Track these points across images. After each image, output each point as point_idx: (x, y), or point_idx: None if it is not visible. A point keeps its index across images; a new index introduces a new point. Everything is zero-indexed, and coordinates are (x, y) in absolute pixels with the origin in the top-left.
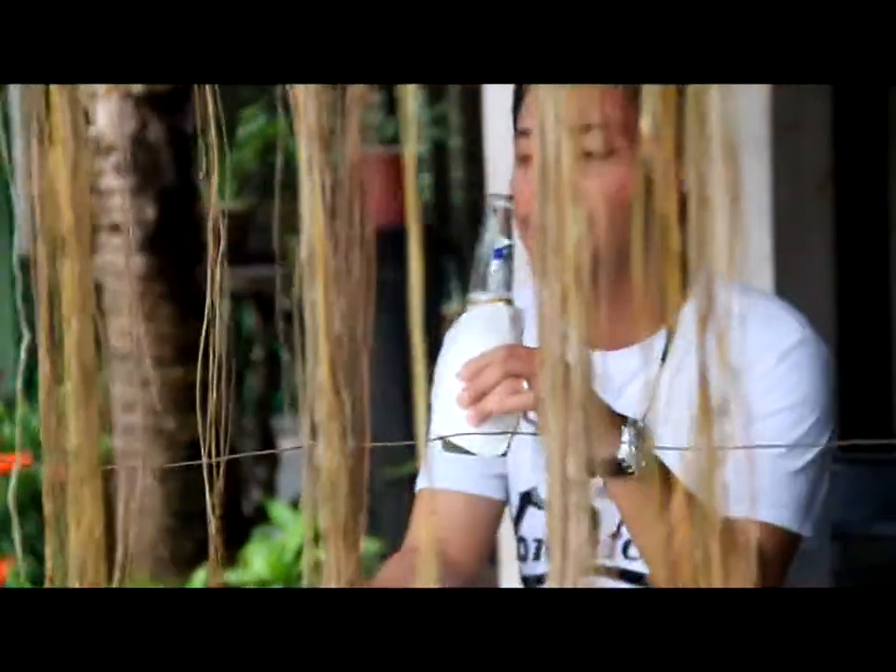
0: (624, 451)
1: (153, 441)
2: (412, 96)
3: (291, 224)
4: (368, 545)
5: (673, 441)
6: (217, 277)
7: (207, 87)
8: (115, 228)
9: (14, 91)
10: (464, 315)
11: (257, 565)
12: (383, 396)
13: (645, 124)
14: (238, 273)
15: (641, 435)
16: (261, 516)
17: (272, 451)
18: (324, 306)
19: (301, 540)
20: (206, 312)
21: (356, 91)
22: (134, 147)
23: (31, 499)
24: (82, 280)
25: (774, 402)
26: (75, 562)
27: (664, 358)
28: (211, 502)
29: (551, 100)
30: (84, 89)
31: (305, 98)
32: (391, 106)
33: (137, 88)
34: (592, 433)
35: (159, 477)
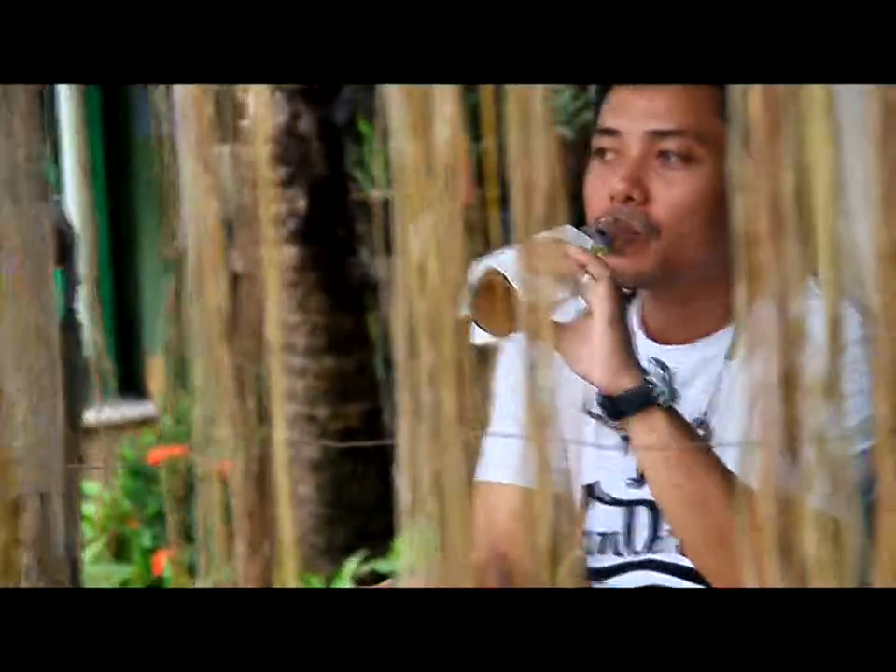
0: (654, 371)
1: (306, 431)
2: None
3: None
4: None
5: (734, 435)
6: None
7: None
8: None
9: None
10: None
11: (407, 555)
12: None
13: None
14: (390, 260)
15: (667, 367)
16: None
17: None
18: None
19: None
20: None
21: None
22: (286, 138)
23: (188, 490)
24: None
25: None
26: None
27: (730, 355)
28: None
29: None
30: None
31: None
32: None
33: None
34: (615, 361)
35: (312, 466)
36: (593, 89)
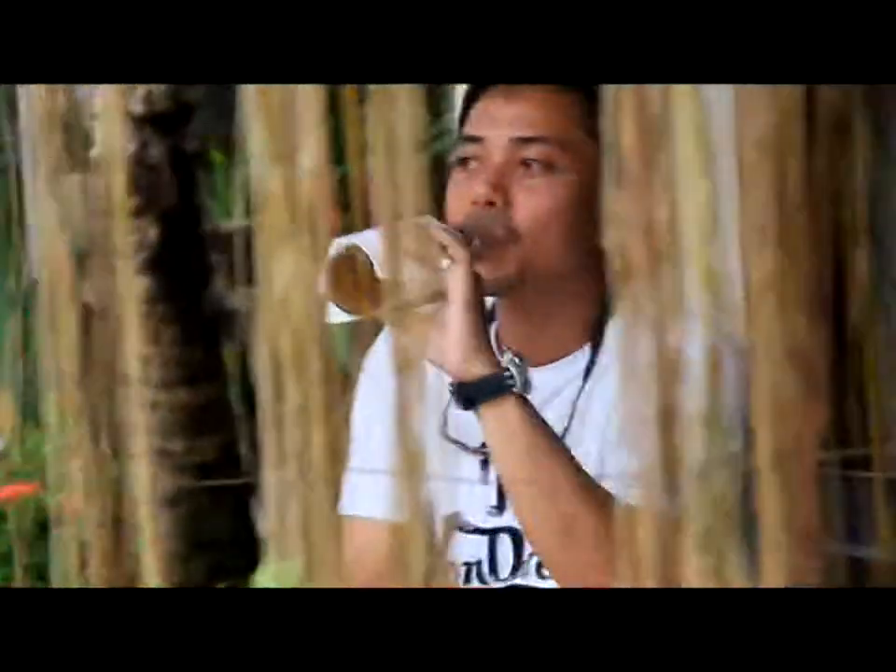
0: (507, 360)
1: (161, 466)
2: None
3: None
4: None
5: (593, 453)
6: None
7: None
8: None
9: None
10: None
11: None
12: None
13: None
14: (249, 291)
15: (521, 357)
16: None
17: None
18: None
19: None
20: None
21: None
22: (135, 168)
23: (39, 528)
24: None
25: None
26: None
27: (587, 374)
28: None
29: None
30: (86, 110)
31: None
32: None
33: (136, 108)
34: (469, 346)
35: (167, 501)
36: (447, 117)
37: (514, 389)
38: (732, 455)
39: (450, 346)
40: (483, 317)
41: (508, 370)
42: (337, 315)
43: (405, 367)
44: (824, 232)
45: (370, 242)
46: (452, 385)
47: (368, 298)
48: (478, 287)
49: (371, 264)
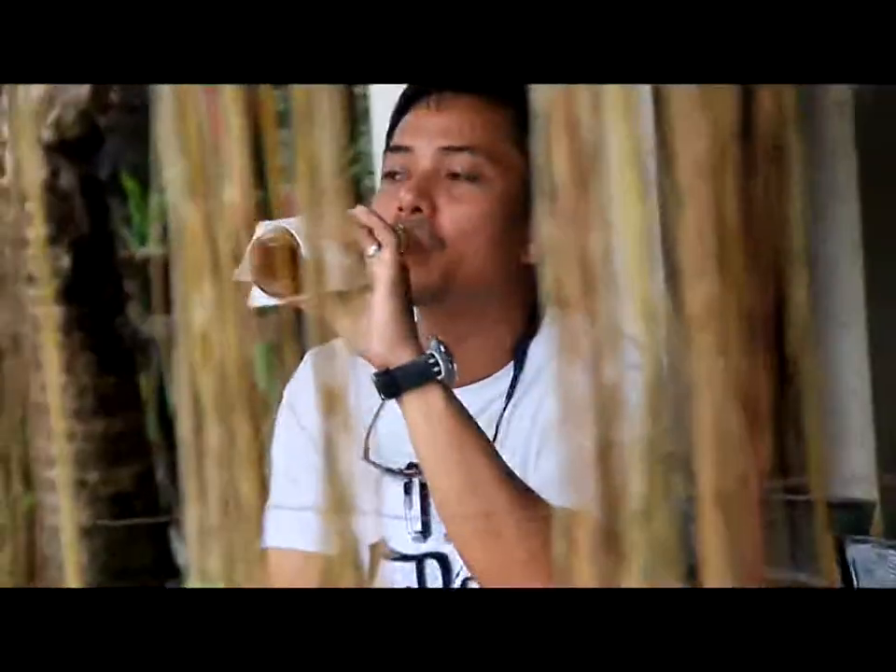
0: (432, 347)
1: (75, 497)
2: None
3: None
4: None
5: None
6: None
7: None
8: (33, 279)
9: None
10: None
11: None
12: None
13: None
14: (165, 320)
15: (446, 346)
16: None
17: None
18: None
19: None
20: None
21: None
22: (47, 195)
23: None
24: None
25: None
26: None
27: (510, 394)
28: None
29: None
30: None
31: None
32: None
33: (47, 135)
34: (394, 331)
35: (83, 533)
36: (362, 139)
37: (439, 377)
38: (674, 491)
39: (374, 332)
40: (409, 301)
41: (432, 356)
42: (259, 299)
43: (330, 405)
44: (763, 262)
45: (296, 226)
46: (375, 374)
47: (292, 282)
48: (404, 274)
49: (298, 247)
